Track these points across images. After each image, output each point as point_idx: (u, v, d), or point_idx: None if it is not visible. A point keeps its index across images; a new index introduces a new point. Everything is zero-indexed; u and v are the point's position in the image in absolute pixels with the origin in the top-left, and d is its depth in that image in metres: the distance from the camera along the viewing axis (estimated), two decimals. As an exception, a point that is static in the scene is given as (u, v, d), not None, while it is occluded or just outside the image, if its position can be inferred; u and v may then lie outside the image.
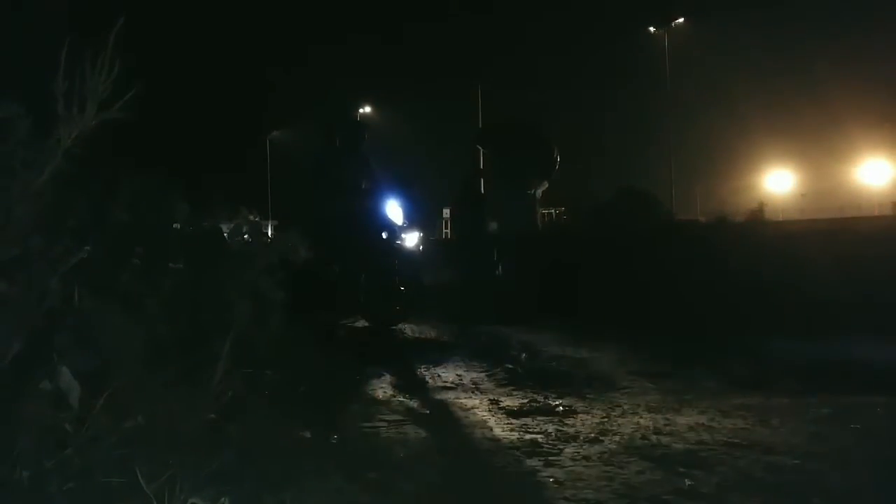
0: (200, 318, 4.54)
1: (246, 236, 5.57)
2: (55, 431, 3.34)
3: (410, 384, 8.22)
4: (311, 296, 8.49)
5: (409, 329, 12.41)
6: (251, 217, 5.91)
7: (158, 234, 4.93)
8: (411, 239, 12.06)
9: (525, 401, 7.44)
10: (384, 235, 11.52)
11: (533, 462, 5.39)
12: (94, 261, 4.07)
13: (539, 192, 12.29)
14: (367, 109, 43.30)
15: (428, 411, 7.14)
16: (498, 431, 6.34)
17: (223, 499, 3.45)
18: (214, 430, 3.93)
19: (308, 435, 4.76)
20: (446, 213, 33.45)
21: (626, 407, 7.06)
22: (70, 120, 3.76)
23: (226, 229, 5.67)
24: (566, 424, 6.45)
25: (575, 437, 6.01)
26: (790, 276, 10.88)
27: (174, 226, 5.44)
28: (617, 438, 5.93)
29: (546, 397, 7.51)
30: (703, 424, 6.33)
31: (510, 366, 9.12)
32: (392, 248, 11.64)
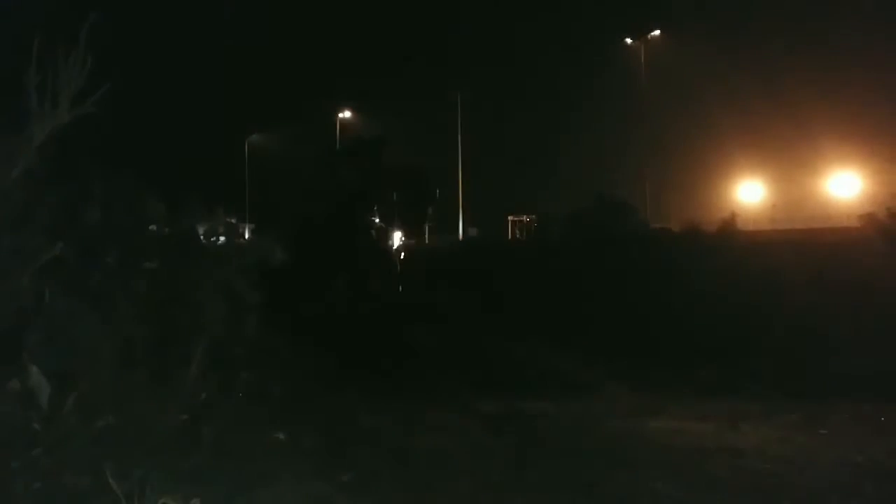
0: (174, 318, 4.50)
1: (222, 237, 5.53)
2: (24, 431, 3.28)
3: (386, 387, 8.18)
4: (287, 296, 8.46)
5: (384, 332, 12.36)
6: (227, 218, 5.87)
7: (133, 234, 4.87)
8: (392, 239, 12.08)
9: (500, 405, 7.47)
10: (365, 238, 11.54)
11: (508, 465, 5.41)
12: (66, 259, 4.01)
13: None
14: (347, 114, 43.24)
15: (404, 414, 7.12)
16: (474, 434, 6.36)
17: (195, 499, 3.41)
18: (187, 430, 3.89)
19: (282, 436, 4.73)
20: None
21: (600, 412, 7.12)
22: (43, 115, 3.71)
23: (202, 230, 5.62)
24: (540, 429, 6.49)
25: (550, 441, 6.05)
26: (761, 283, 11.05)
27: (150, 226, 5.38)
28: (591, 442, 5.98)
29: (522, 402, 7.55)
30: (676, 429, 6.41)
31: (484, 371, 9.14)
32: (372, 251, 11.65)
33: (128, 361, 3.94)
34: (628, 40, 40.82)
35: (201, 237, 5.55)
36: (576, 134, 42.04)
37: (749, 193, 41.12)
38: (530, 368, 9.59)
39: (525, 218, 33.33)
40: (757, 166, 40.96)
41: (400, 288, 13.37)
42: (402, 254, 13.75)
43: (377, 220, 12.71)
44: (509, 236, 33.02)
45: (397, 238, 12.49)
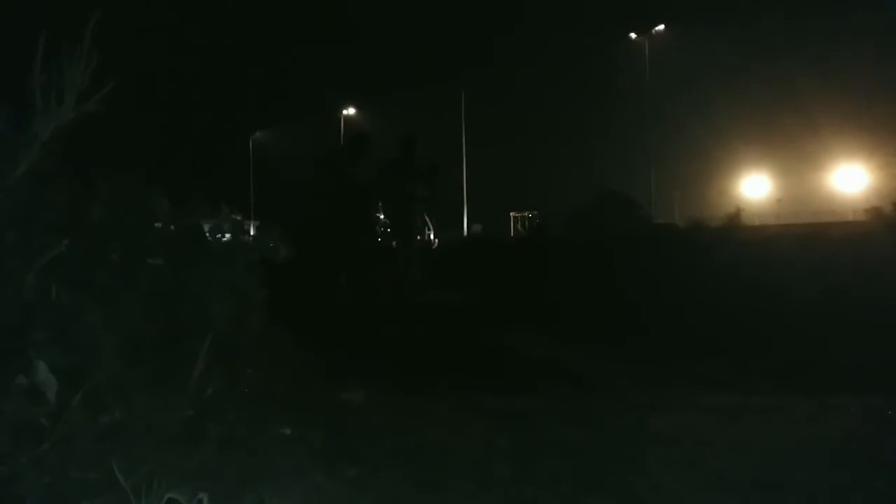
0: (180, 314, 4.50)
1: (227, 234, 5.52)
2: (31, 427, 3.29)
3: (390, 383, 8.20)
4: (293, 292, 8.49)
5: (388, 328, 12.40)
6: (233, 215, 5.86)
7: (138, 231, 4.87)
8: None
9: (504, 401, 7.47)
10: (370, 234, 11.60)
11: (512, 461, 5.41)
12: (71, 256, 4.02)
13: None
14: (352, 111, 43.27)
15: (408, 410, 7.13)
16: (474, 430, 6.36)
17: (201, 494, 3.42)
18: (193, 426, 3.89)
19: (288, 432, 4.74)
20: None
21: (603, 407, 7.11)
22: (48, 113, 3.71)
23: (207, 227, 5.62)
24: (543, 424, 6.49)
25: (554, 437, 6.05)
26: (765, 277, 11.04)
27: (155, 223, 5.38)
28: (594, 437, 5.98)
29: (525, 397, 7.55)
30: (679, 424, 6.40)
31: (487, 366, 9.15)
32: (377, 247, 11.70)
33: (134, 357, 3.95)
34: (632, 35, 40.72)
35: (207, 234, 5.55)
36: (579, 130, 41.98)
37: (754, 188, 40.98)
38: (533, 363, 9.61)
39: (528, 214, 33.37)
40: (762, 161, 40.82)
41: (404, 284, 13.41)
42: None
43: (382, 217, 12.77)
44: (512, 232, 33.04)
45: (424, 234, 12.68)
